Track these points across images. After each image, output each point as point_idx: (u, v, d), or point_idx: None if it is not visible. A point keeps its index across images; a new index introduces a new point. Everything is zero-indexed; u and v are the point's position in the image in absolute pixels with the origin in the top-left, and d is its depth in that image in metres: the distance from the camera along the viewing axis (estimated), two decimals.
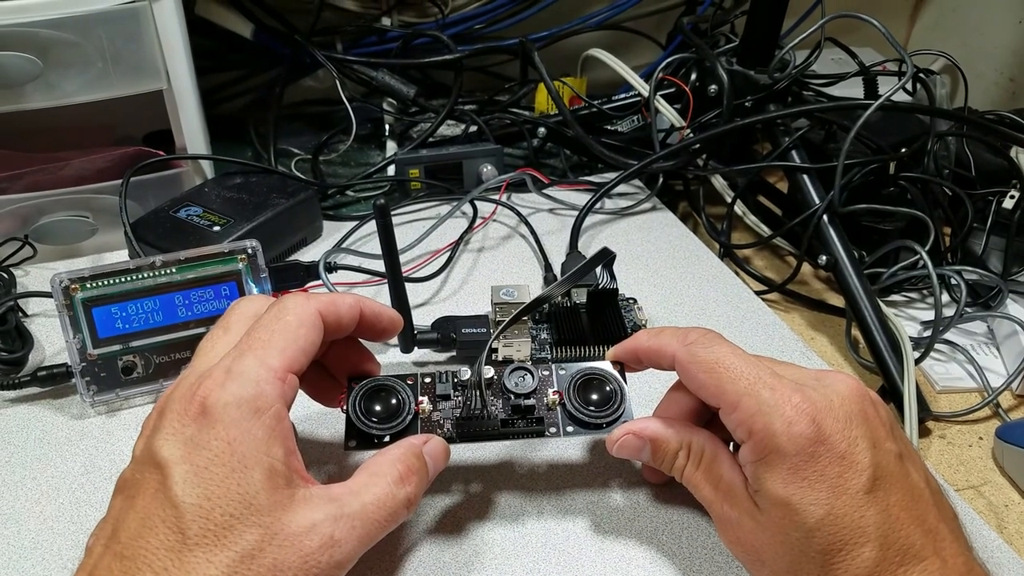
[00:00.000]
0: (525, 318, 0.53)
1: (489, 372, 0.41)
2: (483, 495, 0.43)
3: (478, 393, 0.40)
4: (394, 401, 0.40)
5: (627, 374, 0.42)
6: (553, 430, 0.40)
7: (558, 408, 0.41)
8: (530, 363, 0.41)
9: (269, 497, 0.31)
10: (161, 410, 0.34)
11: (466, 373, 0.41)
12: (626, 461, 0.45)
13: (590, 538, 0.41)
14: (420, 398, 0.40)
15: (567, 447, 0.46)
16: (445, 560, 0.40)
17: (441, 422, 0.40)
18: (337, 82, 0.77)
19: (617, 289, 0.54)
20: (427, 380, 0.41)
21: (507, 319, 0.50)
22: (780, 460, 0.33)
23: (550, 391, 0.41)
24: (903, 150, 0.68)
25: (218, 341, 0.36)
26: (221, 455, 0.31)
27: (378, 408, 0.39)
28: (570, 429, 0.40)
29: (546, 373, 0.41)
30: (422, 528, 0.41)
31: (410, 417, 0.40)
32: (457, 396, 0.41)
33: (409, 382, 0.41)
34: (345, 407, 0.39)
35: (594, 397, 0.41)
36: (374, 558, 0.39)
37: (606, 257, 0.46)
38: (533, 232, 0.67)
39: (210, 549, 0.30)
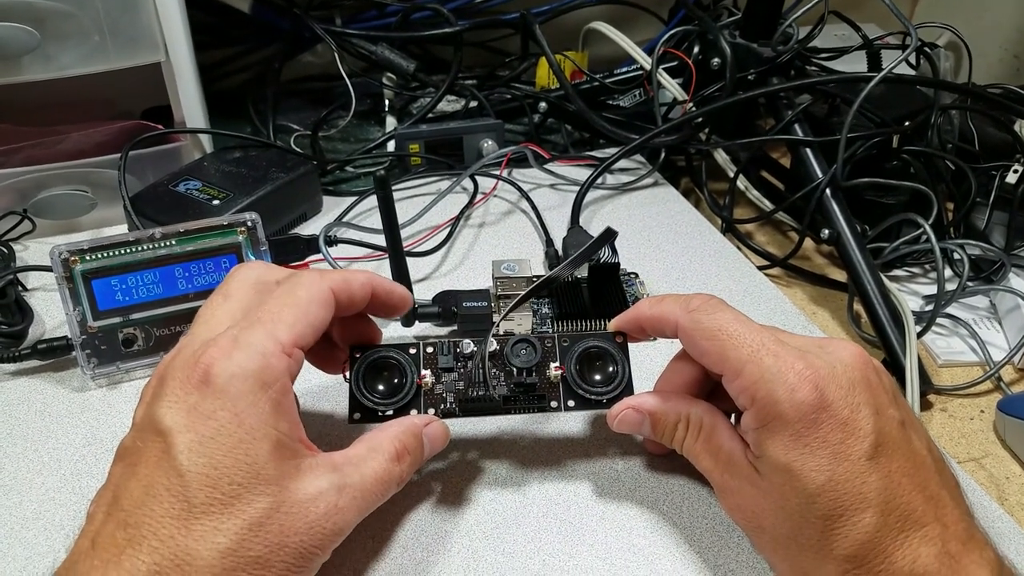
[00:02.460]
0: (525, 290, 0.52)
1: (492, 345, 0.41)
2: (485, 465, 0.43)
3: (482, 371, 0.40)
4: (396, 377, 0.40)
5: (630, 345, 0.42)
6: (555, 404, 0.40)
7: (560, 383, 0.41)
8: (534, 335, 0.41)
9: (277, 468, 0.32)
10: (162, 377, 0.33)
11: (469, 346, 0.41)
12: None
13: (591, 507, 0.41)
14: (423, 371, 0.40)
15: (569, 419, 0.46)
16: (447, 529, 0.40)
17: (444, 395, 0.40)
18: (336, 57, 0.76)
19: (619, 264, 0.54)
20: (429, 350, 0.41)
21: (508, 294, 0.50)
22: (782, 427, 0.33)
23: (552, 366, 0.41)
24: (906, 123, 0.68)
25: (218, 308, 0.36)
26: (227, 426, 0.31)
27: (381, 383, 0.40)
28: (571, 404, 0.40)
29: (548, 345, 0.41)
30: (424, 497, 0.41)
31: (413, 391, 0.40)
32: (460, 368, 0.41)
33: (411, 352, 0.40)
34: (348, 377, 0.39)
35: (596, 377, 0.41)
36: (376, 526, 0.39)
37: (609, 238, 0.46)
38: (534, 207, 0.67)
39: (217, 517, 0.30)
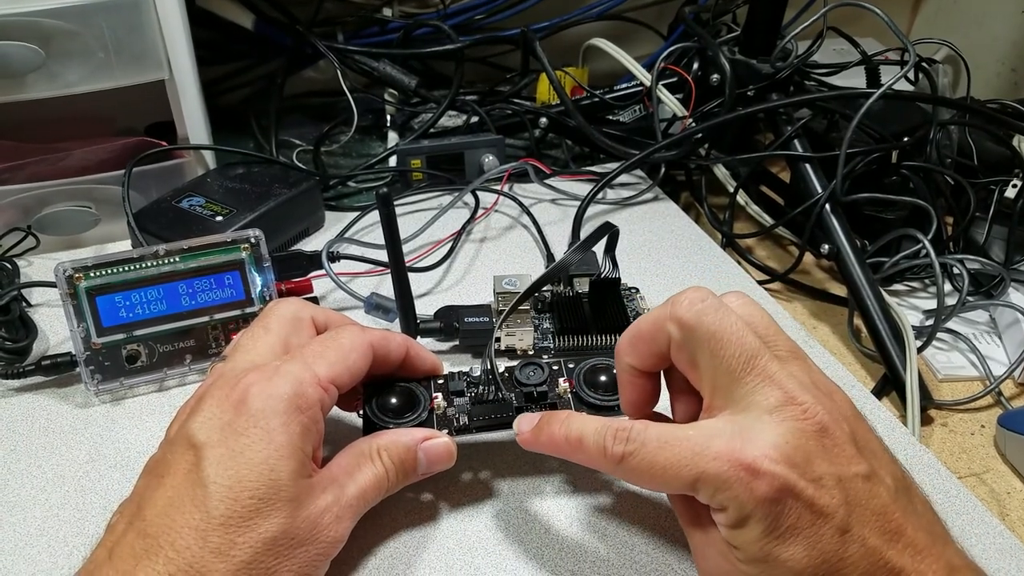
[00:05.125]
0: (527, 306, 0.53)
1: (501, 367, 0.42)
2: (490, 482, 0.43)
3: (491, 377, 0.41)
4: (410, 404, 0.41)
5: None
6: None
7: (569, 396, 0.41)
8: (542, 359, 0.43)
9: (294, 486, 0.33)
10: (200, 396, 0.35)
11: (477, 371, 0.42)
12: None
13: (594, 524, 0.41)
14: (435, 394, 0.41)
15: None
16: (449, 545, 0.40)
17: (457, 416, 0.41)
18: (339, 73, 0.77)
19: (619, 278, 0.54)
20: (439, 381, 0.42)
21: (510, 307, 0.50)
22: (753, 525, 0.31)
23: (560, 380, 0.42)
24: (905, 139, 0.68)
25: (259, 340, 0.38)
26: (258, 443, 0.33)
27: (394, 411, 0.41)
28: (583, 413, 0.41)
29: (555, 368, 0.42)
30: (427, 513, 0.41)
31: (426, 414, 0.41)
32: (471, 392, 0.42)
33: (423, 385, 0.42)
34: (362, 411, 0.41)
35: (603, 379, 0.42)
36: (378, 541, 0.39)
37: (609, 230, 0.46)
38: (535, 222, 0.67)
39: (235, 530, 0.31)
